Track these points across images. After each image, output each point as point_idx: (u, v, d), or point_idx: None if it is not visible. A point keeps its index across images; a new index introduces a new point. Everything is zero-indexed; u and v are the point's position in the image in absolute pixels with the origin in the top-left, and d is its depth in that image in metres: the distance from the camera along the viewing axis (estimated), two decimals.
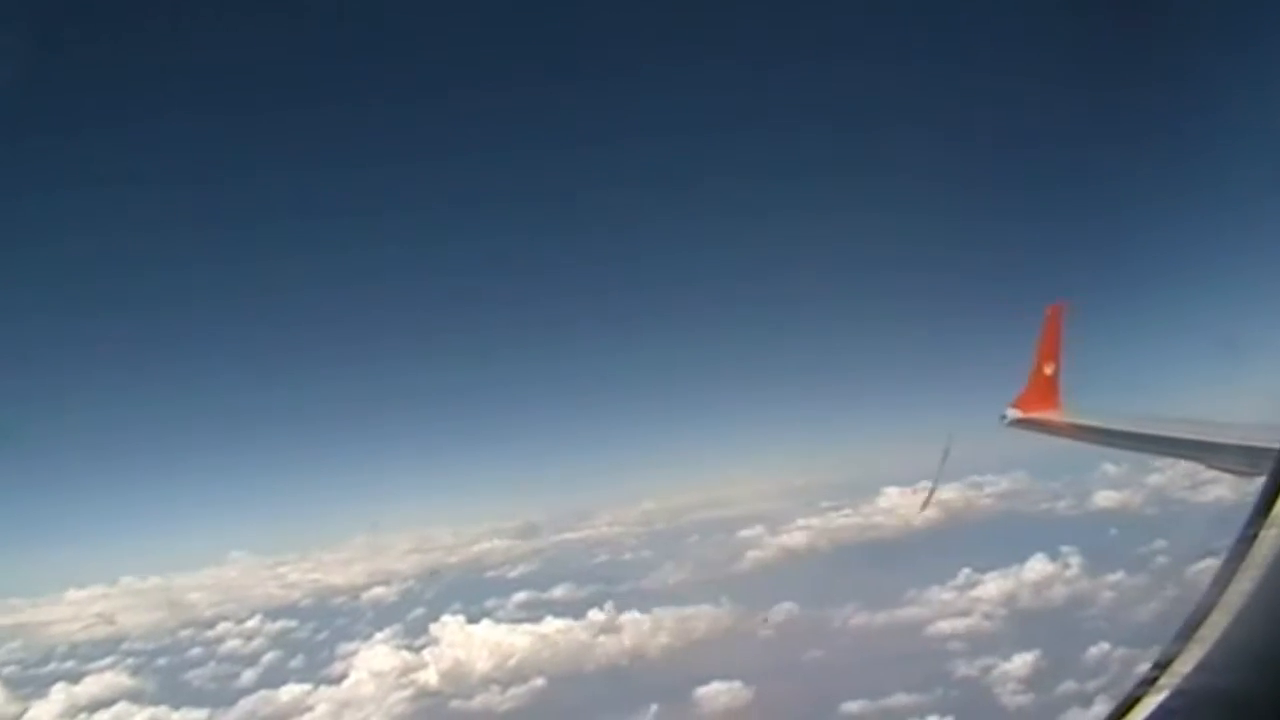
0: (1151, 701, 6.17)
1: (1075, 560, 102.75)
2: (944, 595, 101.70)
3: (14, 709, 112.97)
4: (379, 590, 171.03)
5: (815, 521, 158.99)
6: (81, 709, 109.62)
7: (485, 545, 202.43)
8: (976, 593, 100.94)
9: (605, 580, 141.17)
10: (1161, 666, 6.27)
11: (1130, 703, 6.35)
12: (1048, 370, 26.43)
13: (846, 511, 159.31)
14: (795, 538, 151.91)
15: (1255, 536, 6.12)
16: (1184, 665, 6.12)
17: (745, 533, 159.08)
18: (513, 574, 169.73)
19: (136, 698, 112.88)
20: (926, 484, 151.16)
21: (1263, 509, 6.27)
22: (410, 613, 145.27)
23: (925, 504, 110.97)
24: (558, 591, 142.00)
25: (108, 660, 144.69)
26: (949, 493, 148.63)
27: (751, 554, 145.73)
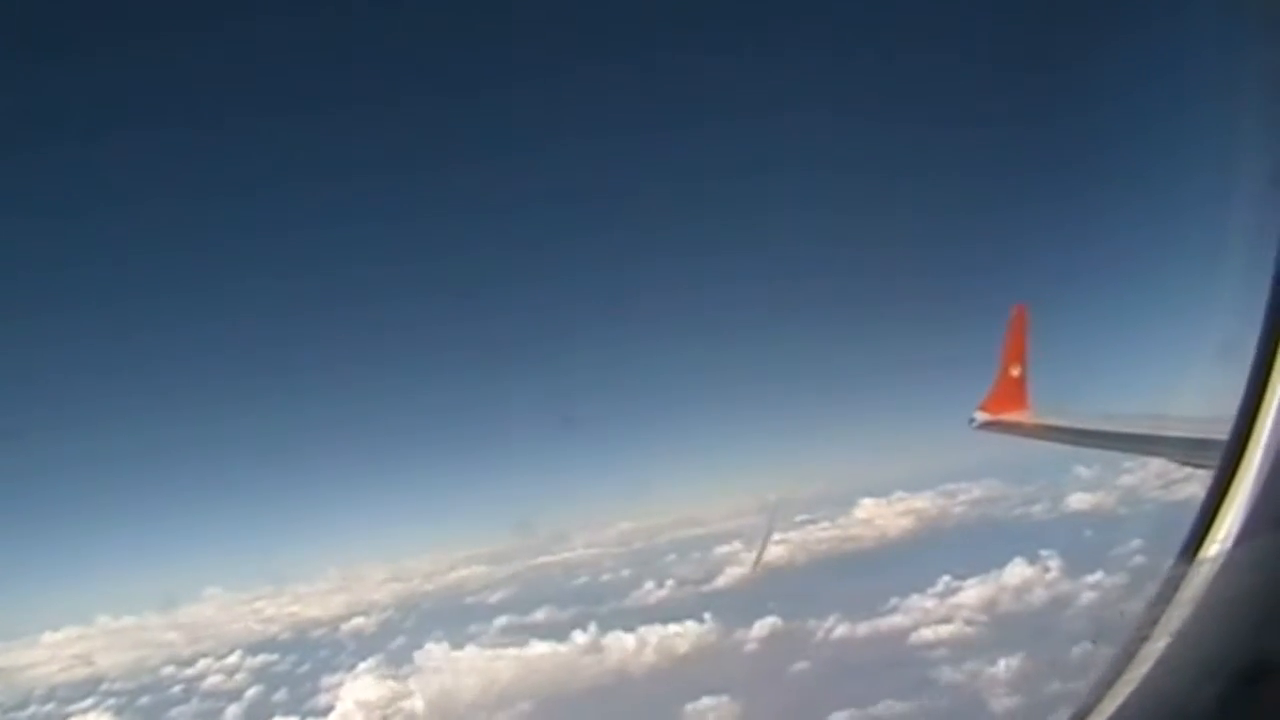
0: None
1: (1054, 563, 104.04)
2: (925, 603, 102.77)
3: None
4: (358, 621, 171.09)
5: (792, 535, 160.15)
6: None
7: (463, 571, 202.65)
8: (957, 599, 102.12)
9: (587, 601, 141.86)
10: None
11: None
12: (1014, 372, 27.09)
13: (823, 524, 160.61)
14: (773, 552, 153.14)
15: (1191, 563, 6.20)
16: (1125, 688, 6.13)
17: (723, 549, 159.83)
18: (493, 599, 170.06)
19: None
20: (902, 494, 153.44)
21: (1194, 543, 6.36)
22: (392, 642, 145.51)
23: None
24: (539, 614, 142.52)
25: (89, 701, 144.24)
26: (922, 501, 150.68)
27: (730, 570, 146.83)
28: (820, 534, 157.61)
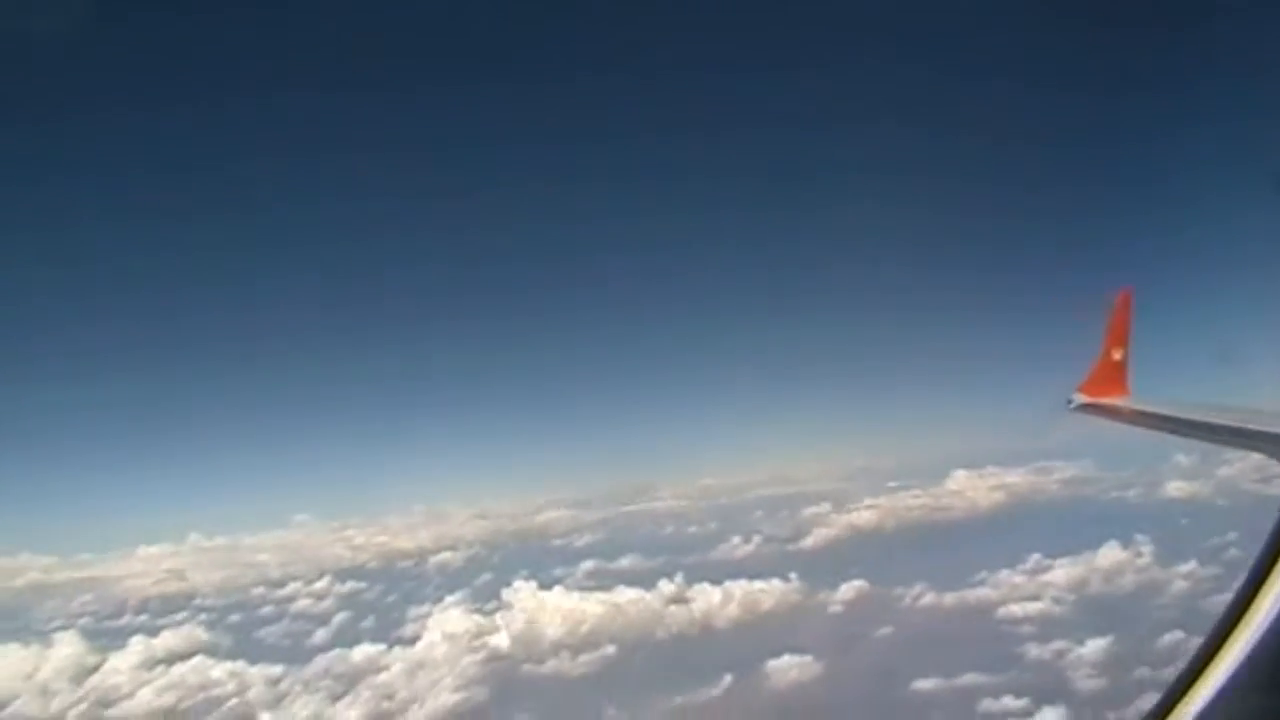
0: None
1: (1147, 549, 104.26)
2: (1014, 579, 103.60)
3: (93, 659, 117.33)
4: (446, 555, 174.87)
5: (883, 501, 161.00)
6: (159, 661, 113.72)
7: (549, 515, 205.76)
8: (1047, 577, 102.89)
9: (672, 552, 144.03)
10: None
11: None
12: (1116, 355, 27.50)
13: (915, 492, 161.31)
14: (863, 516, 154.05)
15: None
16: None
17: (811, 510, 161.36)
18: (579, 543, 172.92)
19: (213, 652, 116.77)
20: (995, 468, 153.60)
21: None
22: (478, 578, 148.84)
23: None
24: (625, 561, 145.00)
25: (181, 615, 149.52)
26: (1016, 477, 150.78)
27: (818, 531, 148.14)
28: (911, 502, 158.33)
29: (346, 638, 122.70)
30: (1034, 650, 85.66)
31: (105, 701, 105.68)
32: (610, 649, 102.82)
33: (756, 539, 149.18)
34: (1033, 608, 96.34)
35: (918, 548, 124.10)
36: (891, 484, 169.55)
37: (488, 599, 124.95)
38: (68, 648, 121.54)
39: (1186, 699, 6.27)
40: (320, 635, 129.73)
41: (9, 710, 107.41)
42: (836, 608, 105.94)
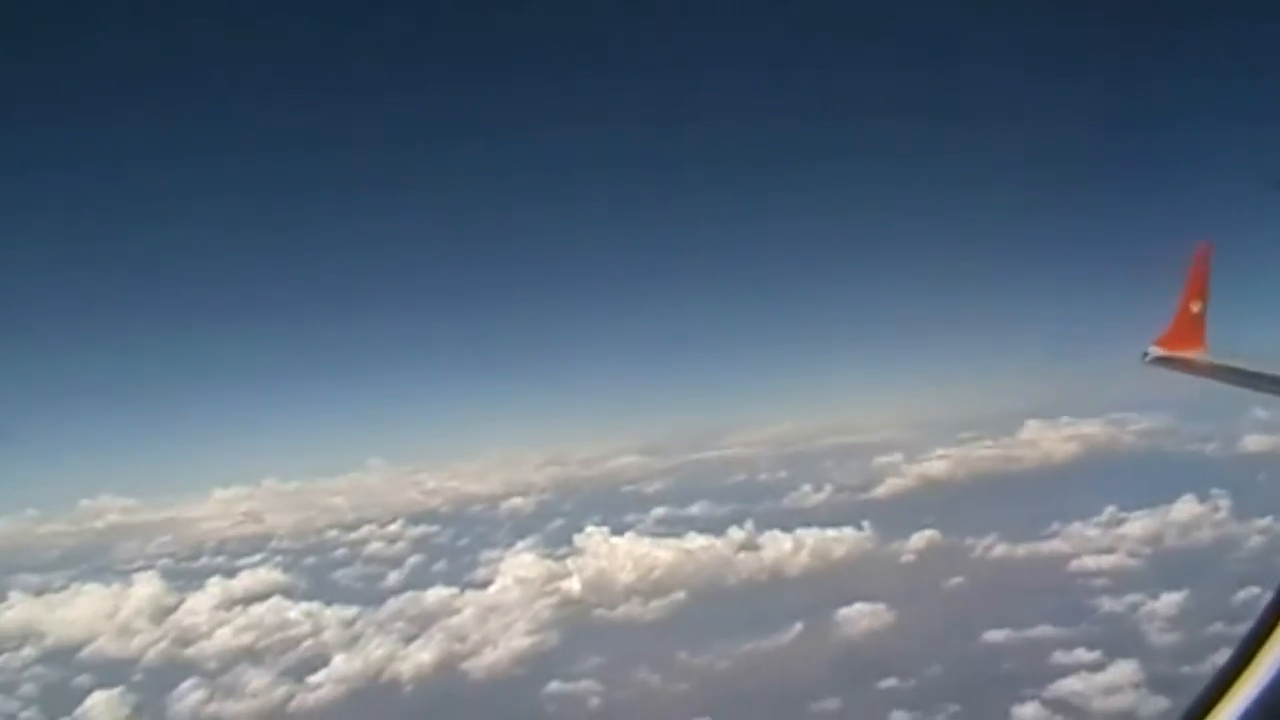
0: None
1: (1224, 503, 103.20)
2: (1088, 531, 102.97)
3: (171, 599, 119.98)
4: (517, 500, 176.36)
5: (954, 452, 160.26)
6: (237, 601, 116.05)
7: (620, 461, 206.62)
8: (1122, 530, 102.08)
9: (743, 499, 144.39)
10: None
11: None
12: (1194, 309, 27.25)
13: (987, 443, 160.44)
14: (934, 466, 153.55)
15: None
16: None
17: (882, 459, 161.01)
18: (649, 489, 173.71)
19: (289, 593, 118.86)
20: (1070, 419, 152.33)
21: None
22: (549, 523, 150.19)
23: None
24: (695, 508, 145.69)
25: (257, 557, 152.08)
26: (1091, 428, 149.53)
27: (890, 480, 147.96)
28: (983, 452, 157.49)
29: (419, 580, 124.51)
30: (1107, 603, 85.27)
31: (184, 640, 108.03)
32: (681, 595, 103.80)
33: (828, 487, 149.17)
34: (1107, 561, 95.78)
35: (990, 499, 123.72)
36: (963, 434, 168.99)
37: (559, 544, 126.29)
38: (147, 588, 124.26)
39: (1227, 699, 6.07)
40: (393, 578, 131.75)
41: (91, 648, 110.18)
42: (908, 557, 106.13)
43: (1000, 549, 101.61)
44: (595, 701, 79.20)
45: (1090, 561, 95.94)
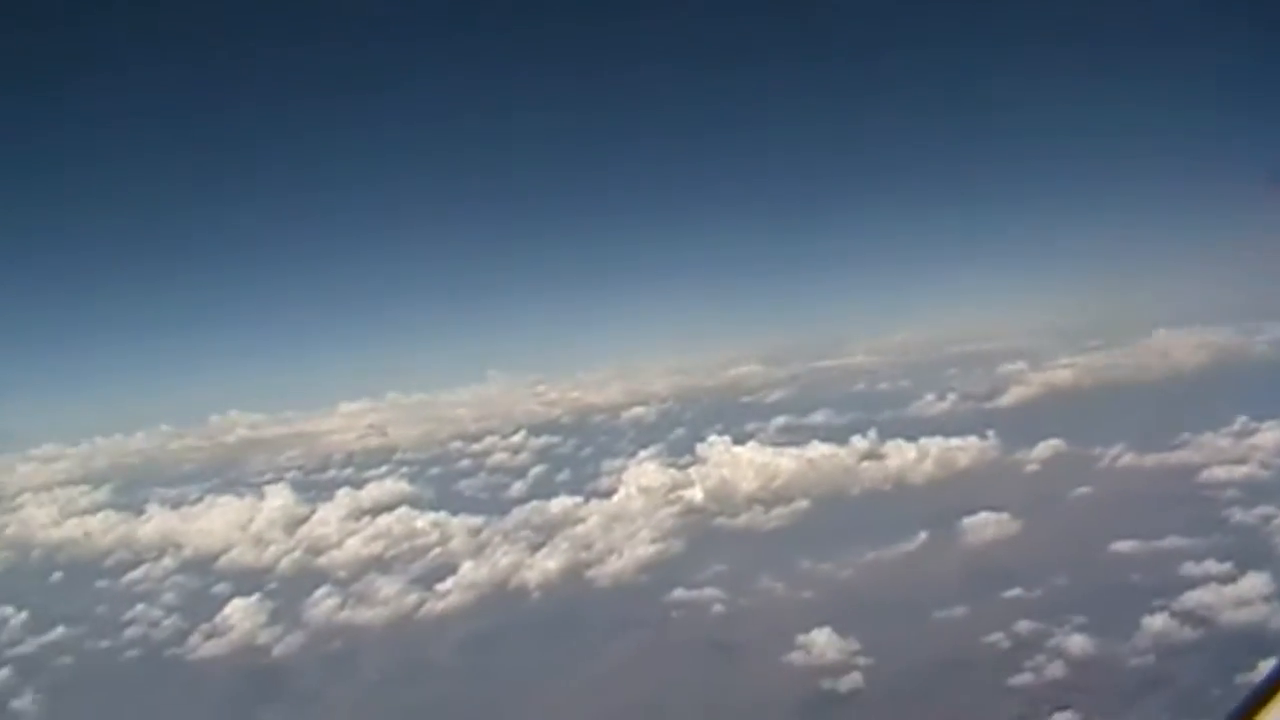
0: None
1: None
2: (1218, 441, 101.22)
3: (302, 510, 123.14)
4: (638, 410, 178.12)
5: (1081, 360, 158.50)
6: (365, 512, 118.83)
7: (740, 370, 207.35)
8: (1254, 440, 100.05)
9: (865, 408, 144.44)
10: None
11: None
12: None
13: (1115, 351, 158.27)
14: (1060, 374, 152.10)
15: None
16: None
17: (1007, 367, 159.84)
18: (770, 398, 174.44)
19: (415, 504, 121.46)
20: (1199, 327, 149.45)
21: None
22: (671, 433, 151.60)
23: None
24: (817, 417, 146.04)
25: (384, 469, 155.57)
26: (1221, 336, 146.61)
27: (1015, 389, 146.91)
28: (1110, 360, 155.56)
29: (543, 490, 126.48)
30: (1238, 515, 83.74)
31: (315, 550, 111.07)
32: (803, 503, 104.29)
33: (951, 396, 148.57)
34: (1238, 471, 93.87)
35: (1117, 408, 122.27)
36: (1091, 342, 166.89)
37: (681, 453, 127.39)
38: (278, 499, 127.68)
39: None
40: (517, 488, 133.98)
41: (227, 557, 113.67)
42: (1033, 466, 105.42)
43: (1128, 459, 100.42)
44: (718, 608, 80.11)
45: (1220, 472, 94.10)
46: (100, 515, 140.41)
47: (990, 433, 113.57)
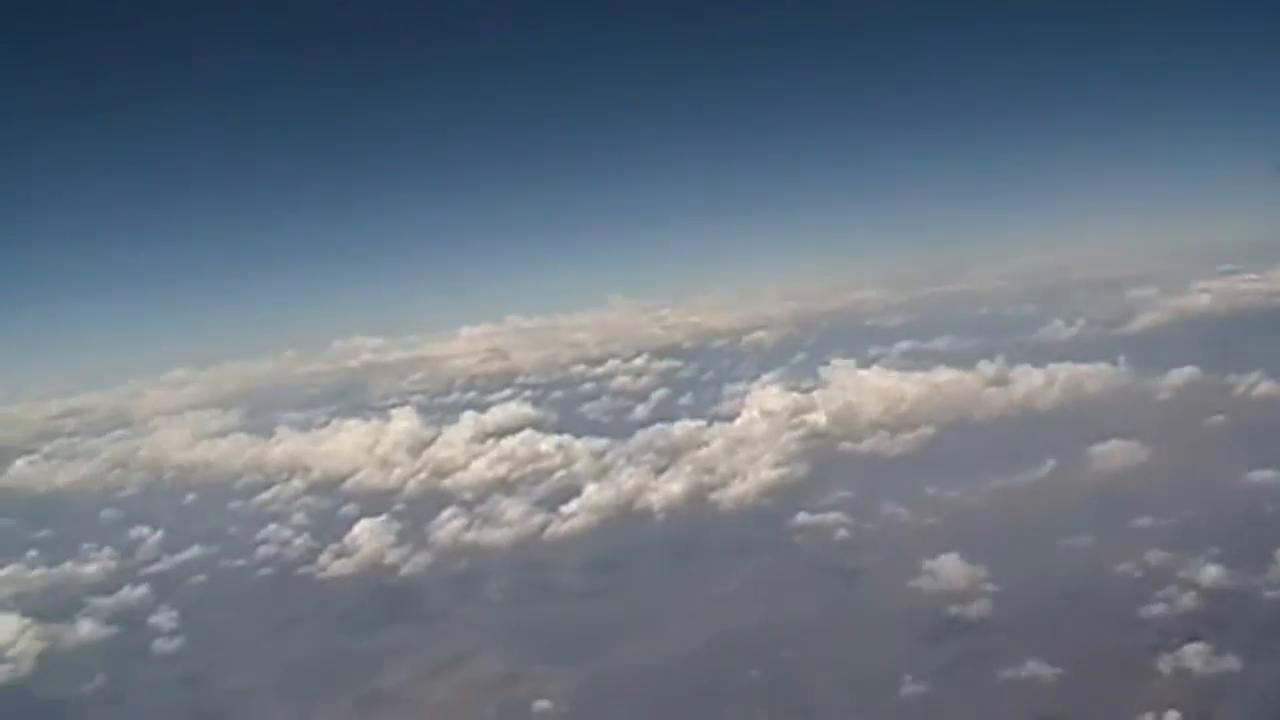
0: None
1: None
2: None
3: (428, 433, 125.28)
4: (759, 334, 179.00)
5: (1215, 285, 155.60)
6: (489, 435, 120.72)
7: (860, 294, 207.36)
8: None
9: (990, 333, 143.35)
10: None
11: None
12: None
13: (1250, 276, 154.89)
14: (1193, 300, 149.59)
15: None
16: None
17: (1136, 293, 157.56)
18: (891, 323, 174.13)
19: (539, 426, 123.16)
20: None
21: None
22: (792, 357, 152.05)
23: None
24: (940, 342, 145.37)
25: (507, 392, 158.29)
26: None
27: (1145, 315, 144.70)
28: (1245, 286, 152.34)
29: (665, 413, 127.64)
30: None
31: (441, 472, 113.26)
32: (928, 429, 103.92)
33: (1079, 322, 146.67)
34: None
35: (1253, 334, 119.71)
36: (1224, 267, 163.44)
37: (803, 377, 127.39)
38: (404, 422, 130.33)
39: None
40: (640, 411, 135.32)
41: (354, 479, 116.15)
42: (1165, 394, 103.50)
43: (1265, 387, 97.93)
44: (843, 533, 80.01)
45: None
46: (231, 438, 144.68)
47: (1120, 359, 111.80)
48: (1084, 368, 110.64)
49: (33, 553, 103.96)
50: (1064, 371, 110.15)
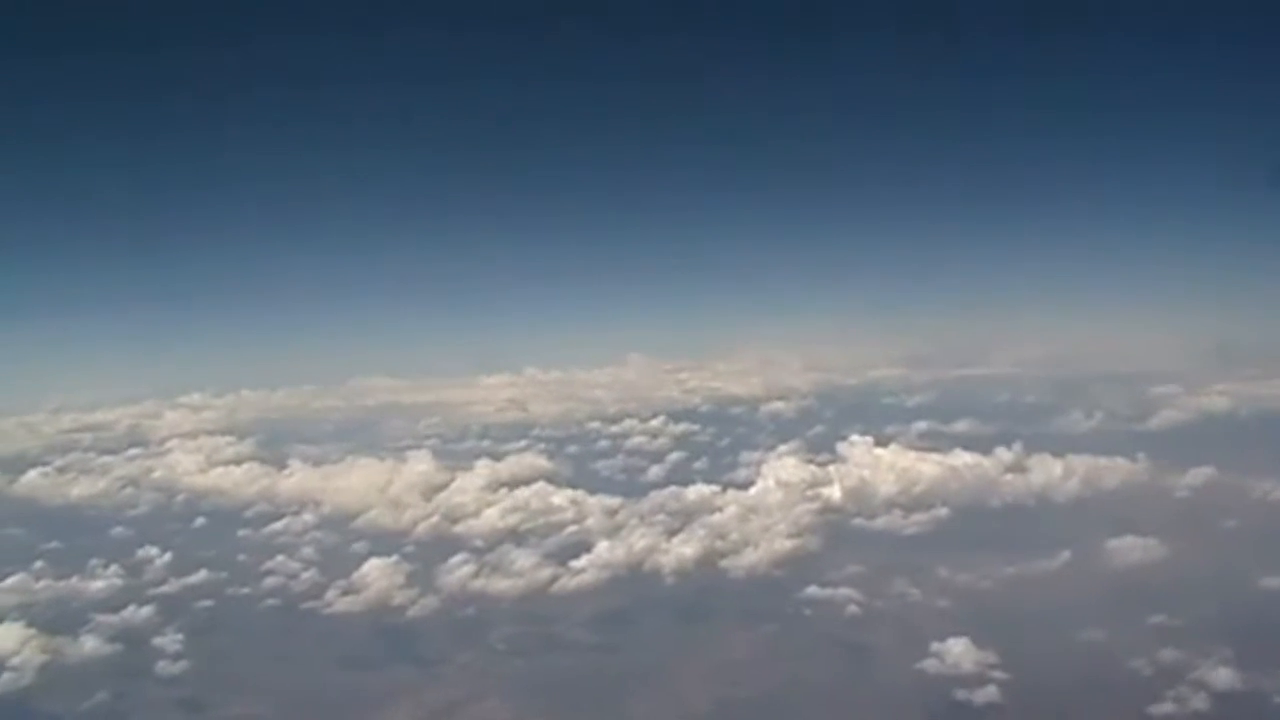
0: None
1: None
2: None
3: (441, 478, 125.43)
4: (778, 404, 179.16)
5: (1237, 387, 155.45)
6: (502, 484, 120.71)
7: (880, 371, 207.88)
8: None
9: (1009, 419, 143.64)
10: None
11: None
12: None
13: (1276, 381, 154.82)
14: (1215, 401, 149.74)
15: None
16: None
17: (1158, 389, 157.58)
18: (910, 402, 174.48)
19: (553, 479, 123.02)
20: None
21: None
22: (810, 429, 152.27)
23: None
24: (960, 425, 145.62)
25: (522, 443, 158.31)
26: None
27: (1165, 412, 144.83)
28: (1267, 390, 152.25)
29: (680, 476, 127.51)
30: None
31: (453, 517, 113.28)
32: (943, 511, 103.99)
33: (1099, 414, 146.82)
34: None
35: (1273, 439, 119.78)
36: (1250, 371, 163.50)
37: (820, 450, 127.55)
38: (419, 465, 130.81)
39: None
40: (654, 471, 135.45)
41: (365, 517, 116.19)
42: (1183, 493, 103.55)
43: None
44: (853, 609, 79.84)
45: None
46: (244, 467, 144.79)
47: (1139, 455, 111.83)
48: (1103, 461, 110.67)
49: (40, 564, 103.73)
50: (1083, 463, 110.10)
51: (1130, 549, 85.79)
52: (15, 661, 77.31)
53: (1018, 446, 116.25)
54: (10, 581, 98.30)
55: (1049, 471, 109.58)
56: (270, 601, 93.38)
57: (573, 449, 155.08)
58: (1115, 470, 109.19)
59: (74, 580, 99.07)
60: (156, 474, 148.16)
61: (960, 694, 62.15)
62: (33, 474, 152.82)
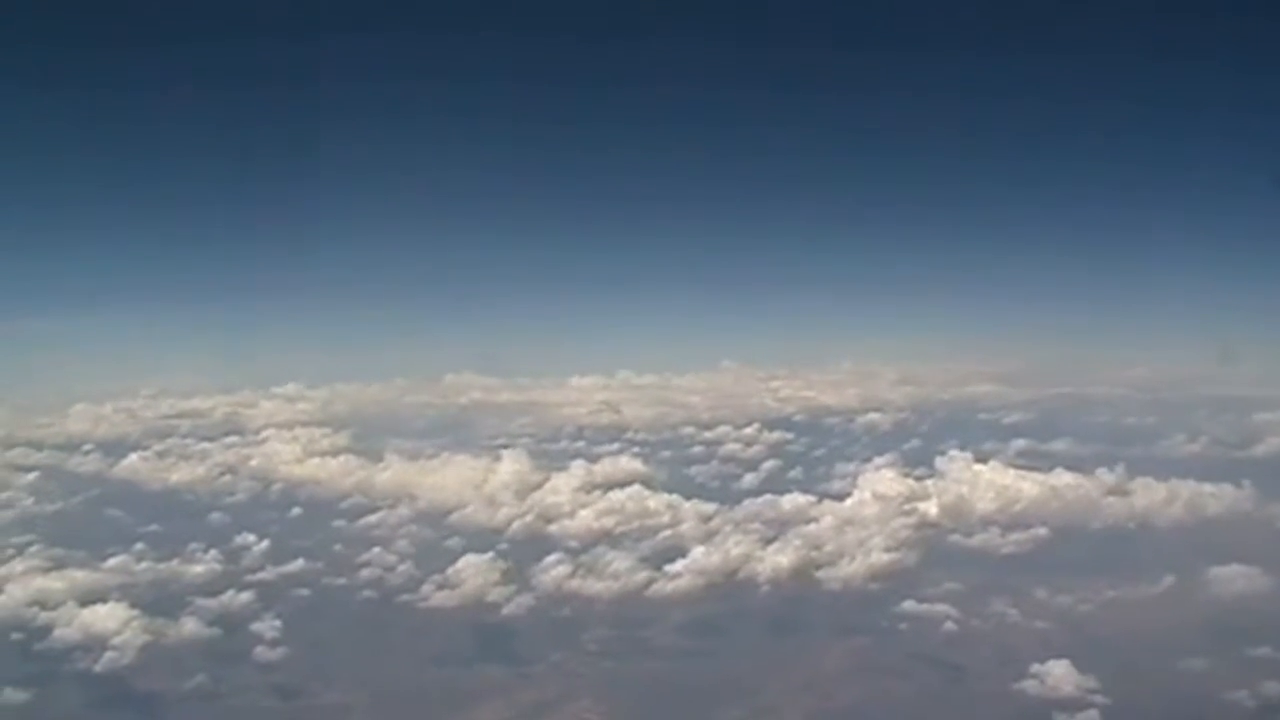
0: None
1: None
2: None
3: (536, 477, 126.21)
4: (873, 416, 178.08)
5: None
6: (597, 486, 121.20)
7: (976, 387, 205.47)
8: None
9: (1109, 441, 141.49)
10: None
11: None
12: None
13: None
14: None
15: None
16: None
17: (1265, 416, 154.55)
18: (1008, 420, 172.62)
19: (649, 482, 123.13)
20: None
21: None
22: (906, 442, 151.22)
23: None
24: (1059, 444, 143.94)
25: (615, 445, 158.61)
26: None
27: (1271, 439, 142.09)
28: None
29: (775, 485, 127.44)
30: None
31: (547, 517, 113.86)
32: (1042, 531, 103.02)
33: (1202, 439, 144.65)
34: None
35: None
36: None
37: (916, 464, 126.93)
38: (513, 463, 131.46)
39: None
40: (749, 480, 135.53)
41: (460, 514, 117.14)
42: None
43: None
44: (949, 626, 79.31)
45: None
46: (340, 458, 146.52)
47: (1245, 482, 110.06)
48: (1207, 487, 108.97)
49: (140, 545, 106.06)
50: (1186, 488, 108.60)
51: (1233, 578, 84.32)
52: (117, 641, 78.99)
53: (1120, 468, 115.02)
54: (113, 562, 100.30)
55: (1152, 496, 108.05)
56: (366, 593, 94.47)
57: (666, 454, 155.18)
58: (1219, 497, 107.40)
59: (174, 563, 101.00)
60: (253, 462, 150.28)
61: (1060, 717, 61.75)
62: (133, 457, 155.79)
